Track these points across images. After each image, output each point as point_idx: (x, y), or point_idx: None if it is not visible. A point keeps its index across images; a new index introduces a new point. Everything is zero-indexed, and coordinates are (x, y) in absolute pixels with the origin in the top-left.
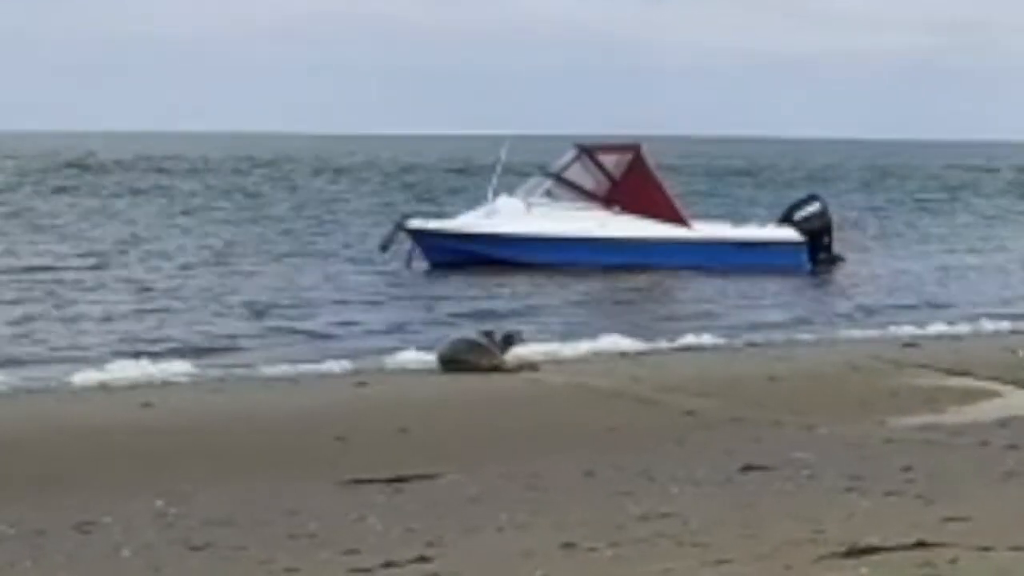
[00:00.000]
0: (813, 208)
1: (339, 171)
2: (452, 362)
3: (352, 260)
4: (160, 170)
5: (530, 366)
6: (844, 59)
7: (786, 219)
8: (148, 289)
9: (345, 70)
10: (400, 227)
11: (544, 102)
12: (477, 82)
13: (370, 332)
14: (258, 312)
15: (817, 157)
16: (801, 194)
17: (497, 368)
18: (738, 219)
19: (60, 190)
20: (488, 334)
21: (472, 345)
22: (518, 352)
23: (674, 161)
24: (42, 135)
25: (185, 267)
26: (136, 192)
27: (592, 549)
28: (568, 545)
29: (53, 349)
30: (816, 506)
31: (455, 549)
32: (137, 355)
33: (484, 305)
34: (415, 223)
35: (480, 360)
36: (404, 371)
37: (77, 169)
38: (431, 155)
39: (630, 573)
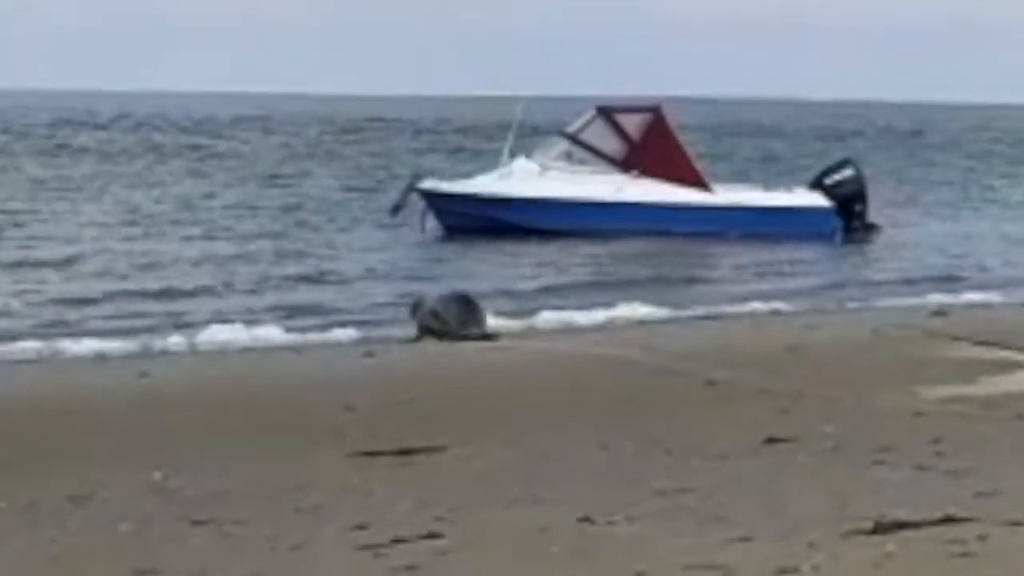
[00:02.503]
0: (845, 173)
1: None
2: (427, 329)
3: (365, 223)
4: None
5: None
6: (877, 17)
7: (817, 184)
8: (148, 255)
9: (357, 30)
10: (412, 188)
11: (564, 62)
12: (494, 41)
13: (378, 301)
14: (263, 278)
15: (849, 120)
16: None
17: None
18: (765, 183)
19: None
20: (459, 300)
21: (452, 311)
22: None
23: (698, 122)
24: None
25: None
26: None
27: (609, 524)
28: (584, 520)
29: (46, 317)
30: (841, 480)
31: (467, 524)
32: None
33: (497, 272)
34: (427, 184)
35: (457, 327)
36: (412, 340)
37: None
38: (452, 115)
39: (649, 549)
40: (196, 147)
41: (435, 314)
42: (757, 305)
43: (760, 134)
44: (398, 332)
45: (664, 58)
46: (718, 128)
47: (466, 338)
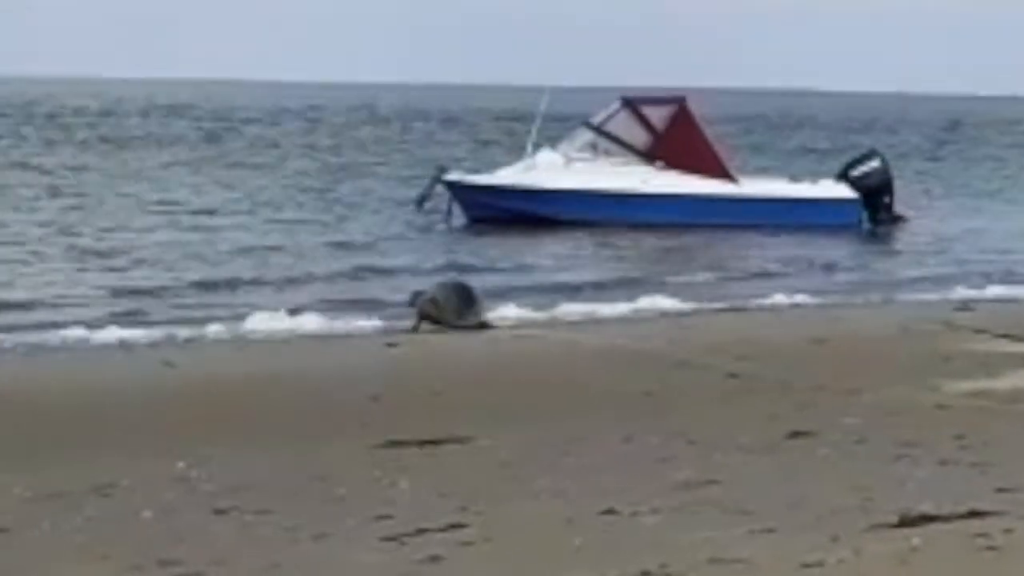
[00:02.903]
0: (871, 165)
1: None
2: (425, 317)
3: (390, 213)
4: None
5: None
6: (906, 7)
7: (843, 176)
8: (172, 244)
9: (377, 18)
10: (438, 180)
11: (591, 53)
12: (519, 31)
13: (402, 290)
14: (287, 267)
15: (881, 112)
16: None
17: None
18: (791, 175)
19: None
20: (458, 289)
21: (451, 301)
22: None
23: (724, 114)
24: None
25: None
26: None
27: (633, 515)
28: (608, 511)
29: (72, 305)
30: (865, 474)
31: (490, 515)
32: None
33: (519, 263)
34: (453, 176)
35: (454, 316)
36: (436, 331)
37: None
38: (477, 105)
39: (673, 541)
40: (230, 136)
41: (434, 302)
42: (781, 298)
43: (792, 125)
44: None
45: (691, 48)
46: (750, 119)
47: (463, 327)
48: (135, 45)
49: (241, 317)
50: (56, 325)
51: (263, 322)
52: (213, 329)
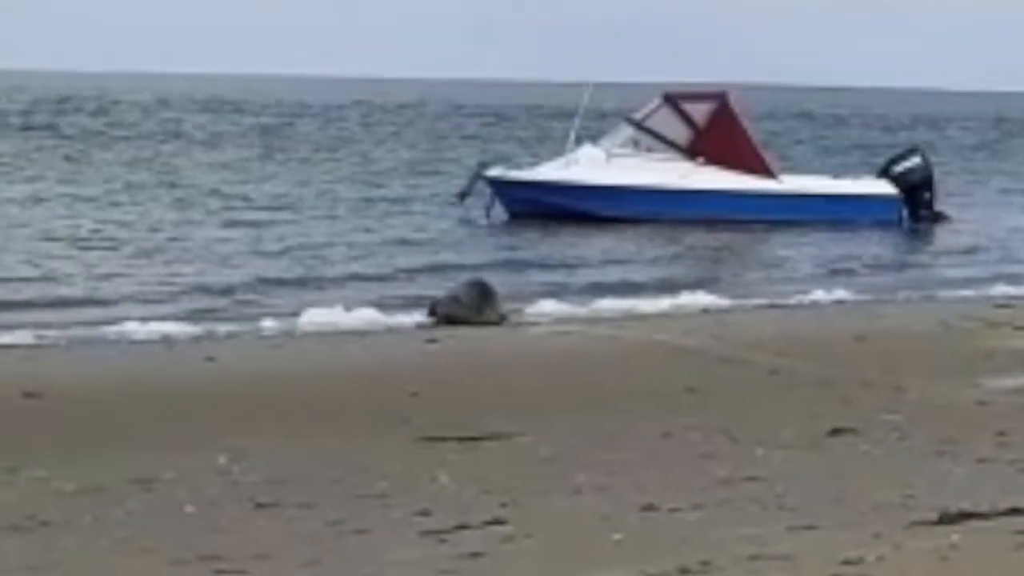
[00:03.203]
0: (913, 161)
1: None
2: (448, 317)
3: (436, 210)
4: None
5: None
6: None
7: (885, 172)
8: (213, 239)
9: (418, 15)
10: (479, 176)
11: (631, 48)
12: (561, 27)
13: (443, 286)
14: (325, 262)
15: (924, 108)
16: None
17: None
18: (833, 171)
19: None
20: (476, 286)
21: (471, 298)
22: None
23: (766, 110)
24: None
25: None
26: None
27: (673, 511)
28: (648, 507)
29: (119, 299)
30: (906, 471)
31: (530, 511)
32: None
33: (560, 258)
34: (494, 172)
35: (473, 314)
36: (475, 326)
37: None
38: (518, 101)
39: (714, 537)
40: (283, 131)
41: (455, 300)
42: (822, 294)
43: (834, 122)
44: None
45: (733, 44)
46: (793, 116)
47: (482, 323)
48: (171, 40)
49: (296, 313)
50: (105, 321)
51: (318, 317)
52: (266, 325)
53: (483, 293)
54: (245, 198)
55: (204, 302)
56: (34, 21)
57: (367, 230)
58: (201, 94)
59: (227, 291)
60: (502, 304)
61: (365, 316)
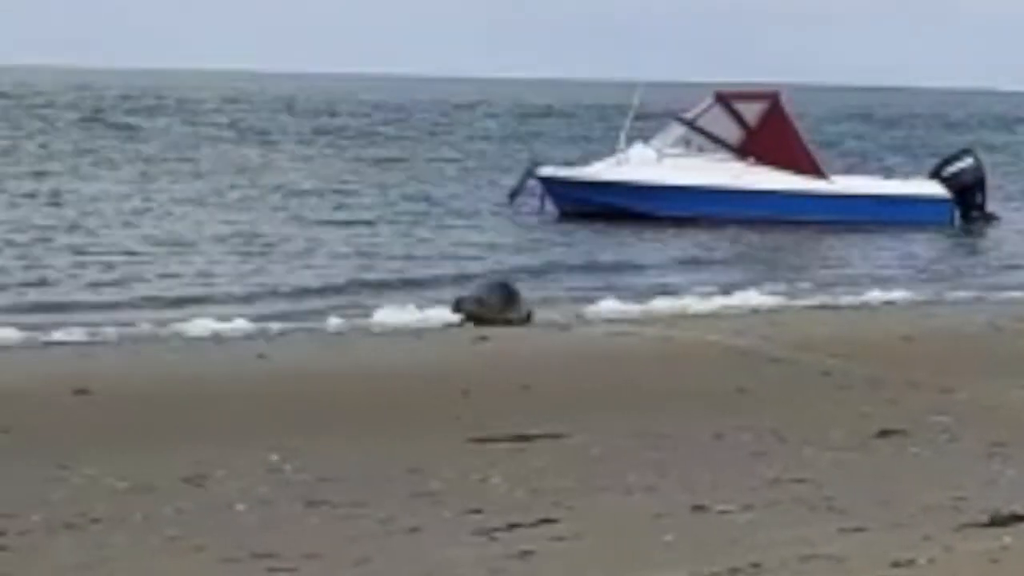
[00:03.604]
0: (965, 162)
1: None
2: (474, 316)
3: (478, 208)
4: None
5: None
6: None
7: (936, 174)
8: (259, 236)
9: (466, 13)
10: (530, 174)
11: (684, 47)
12: (613, 25)
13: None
14: (377, 261)
15: (975, 107)
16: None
17: (511, 321)
18: (884, 172)
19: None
20: (501, 287)
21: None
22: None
23: (821, 111)
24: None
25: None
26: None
27: (723, 512)
28: (698, 508)
29: (165, 297)
30: (956, 472)
31: (581, 510)
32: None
33: (611, 258)
34: (546, 170)
35: (502, 313)
36: (527, 326)
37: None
38: (575, 99)
39: (763, 538)
40: (337, 129)
41: (479, 300)
42: (872, 295)
43: (888, 121)
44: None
45: (784, 44)
46: (848, 116)
47: (506, 323)
48: (203, 36)
49: (367, 314)
50: (163, 320)
51: (390, 317)
52: (333, 323)
53: (507, 293)
54: (320, 196)
55: (275, 302)
56: (30, 18)
57: (408, 228)
58: (264, 93)
59: (301, 292)
60: (526, 304)
61: (439, 316)
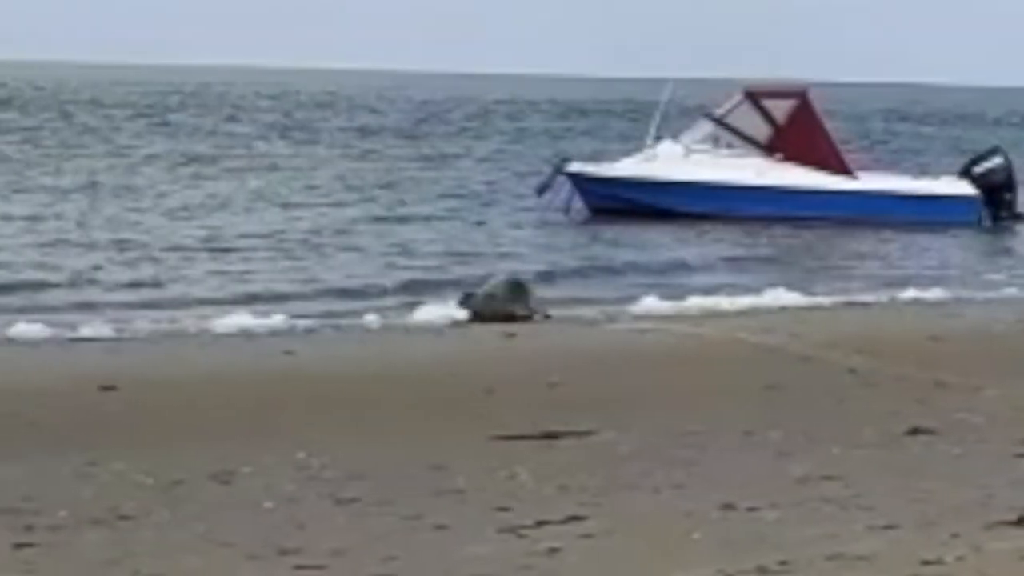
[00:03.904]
0: (995, 161)
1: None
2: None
3: (508, 204)
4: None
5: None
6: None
7: (966, 172)
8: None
9: (501, 11)
10: (559, 170)
11: (713, 43)
12: (642, 21)
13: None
14: (403, 259)
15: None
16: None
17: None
18: (914, 170)
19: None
20: (510, 283)
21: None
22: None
23: (847, 109)
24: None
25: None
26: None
27: (752, 510)
28: (727, 506)
29: (194, 294)
30: (985, 471)
31: (610, 508)
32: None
33: (639, 255)
34: (574, 167)
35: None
36: (554, 323)
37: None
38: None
39: (792, 536)
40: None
41: (486, 295)
42: (900, 293)
43: (920, 119)
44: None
45: (814, 41)
46: (883, 112)
47: (511, 316)
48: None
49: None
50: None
51: (430, 315)
52: (369, 320)
53: (514, 289)
54: (360, 193)
55: (313, 301)
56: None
57: (435, 225)
58: (302, 89)
59: (338, 291)
60: (534, 300)
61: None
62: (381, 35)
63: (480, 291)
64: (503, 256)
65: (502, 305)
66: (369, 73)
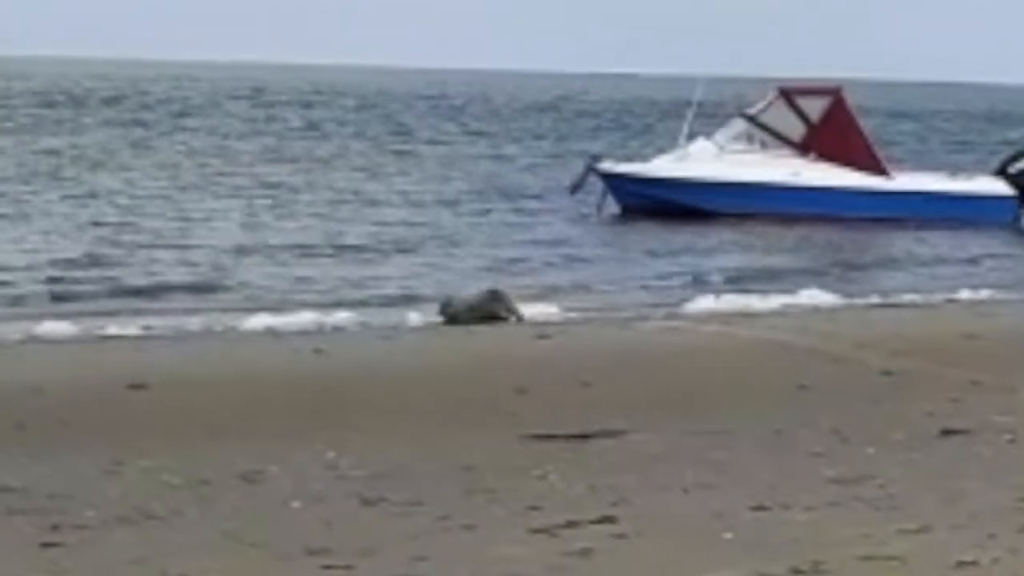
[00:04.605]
0: None
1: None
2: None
3: (538, 202)
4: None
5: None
6: None
7: (1001, 171)
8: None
9: (527, 7)
10: (591, 169)
11: (746, 41)
12: (675, 19)
13: (554, 285)
14: (433, 256)
15: None
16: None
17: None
18: (951, 169)
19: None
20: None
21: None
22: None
23: (884, 106)
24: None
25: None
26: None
27: (784, 511)
28: (759, 507)
29: (225, 292)
30: (1019, 472)
31: (641, 509)
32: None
33: (674, 255)
34: (606, 165)
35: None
36: (586, 322)
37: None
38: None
39: (825, 537)
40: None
41: (462, 300)
42: (933, 293)
43: (970, 119)
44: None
45: (851, 38)
46: (920, 112)
47: (487, 321)
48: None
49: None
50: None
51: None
52: (412, 316)
53: (488, 295)
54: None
55: (350, 302)
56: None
57: (466, 223)
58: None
59: (379, 295)
60: (510, 305)
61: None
62: (387, 31)
63: (456, 296)
64: (524, 251)
65: (477, 313)
66: (386, 71)
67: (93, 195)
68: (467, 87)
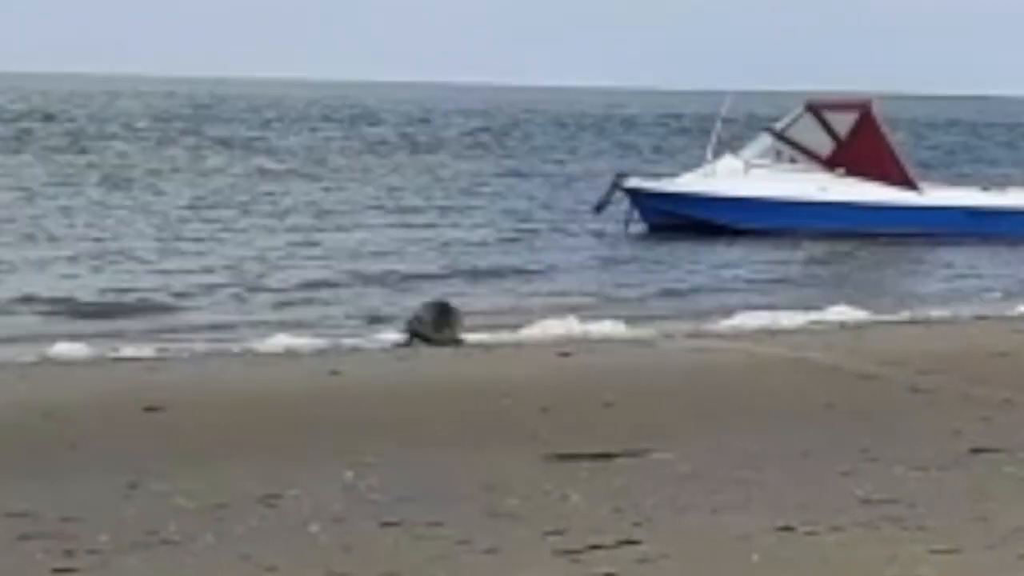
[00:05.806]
0: None
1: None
2: (414, 334)
3: (569, 220)
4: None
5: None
6: None
7: None
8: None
9: (552, 22)
10: (617, 186)
11: (773, 55)
12: (700, 32)
13: (579, 303)
14: (454, 274)
15: None
16: None
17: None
18: (983, 183)
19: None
20: (437, 306)
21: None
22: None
23: (911, 121)
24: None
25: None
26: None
27: (811, 533)
28: (786, 528)
29: (240, 314)
30: None
31: (665, 531)
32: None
33: (701, 271)
34: (632, 182)
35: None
36: (609, 341)
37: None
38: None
39: (853, 559)
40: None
41: (418, 318)
42: (962, 309)
43: (1002, 133)
44: (594, 331)
45: (880, 52)
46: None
47: (439, 342)
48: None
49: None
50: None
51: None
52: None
53: (442, 313)
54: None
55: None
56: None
57: (491, 240)
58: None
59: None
60: (463, 324)
61: (528, 333)
62: (420, 46)
63: (414, 313)
64: (548, 270)
65: (430, 330)
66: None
67: (110, 214)
68: (508, 106)
